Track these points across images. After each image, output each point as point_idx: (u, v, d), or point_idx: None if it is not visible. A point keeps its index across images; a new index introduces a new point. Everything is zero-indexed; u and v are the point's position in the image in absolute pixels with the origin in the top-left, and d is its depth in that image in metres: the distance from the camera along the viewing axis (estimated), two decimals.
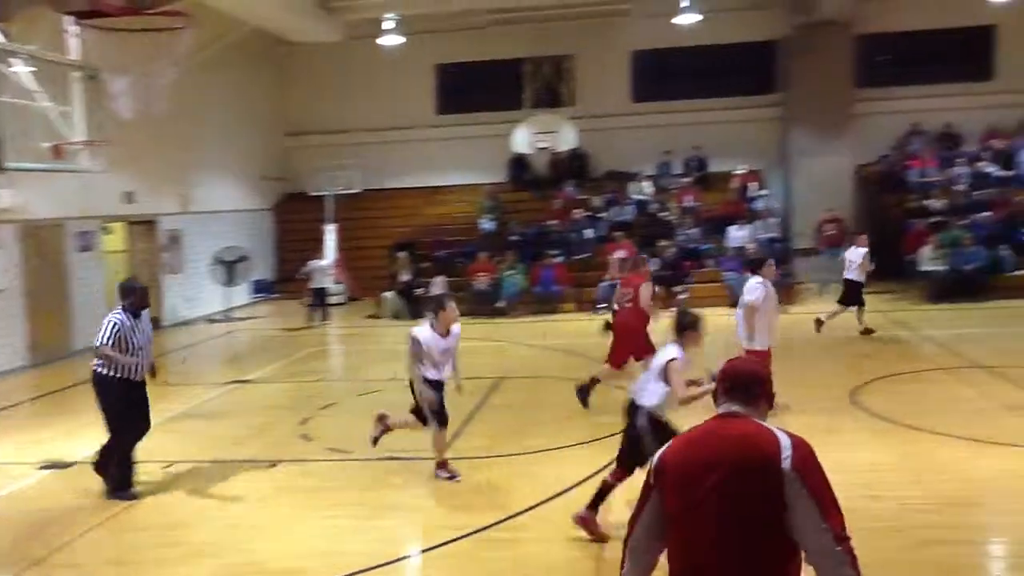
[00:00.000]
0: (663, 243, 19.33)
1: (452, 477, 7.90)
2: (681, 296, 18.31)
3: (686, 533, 2.96)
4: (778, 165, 22.19)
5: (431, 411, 7.75)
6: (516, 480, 7.86)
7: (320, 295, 19.00)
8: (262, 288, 22.49)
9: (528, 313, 18.54)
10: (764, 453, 2.87)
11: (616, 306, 10.90)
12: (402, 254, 19.90)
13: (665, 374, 6.20)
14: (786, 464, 2.82)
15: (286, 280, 22.16)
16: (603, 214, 21.01)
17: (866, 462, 7.81)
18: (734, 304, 17.73)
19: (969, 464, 7.70)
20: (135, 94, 10.13)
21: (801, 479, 2.80)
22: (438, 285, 18.55)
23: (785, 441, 2.89)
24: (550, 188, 22.25)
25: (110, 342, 7.49)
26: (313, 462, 8.72)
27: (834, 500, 2.84)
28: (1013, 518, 6.65)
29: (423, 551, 6.54)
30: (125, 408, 7.64)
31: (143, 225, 18.34)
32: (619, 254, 18.99)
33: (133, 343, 7.60)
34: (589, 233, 20.40)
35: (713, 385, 3.30)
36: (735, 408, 3.09)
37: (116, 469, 7.71)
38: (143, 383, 7.84)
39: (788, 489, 2.79)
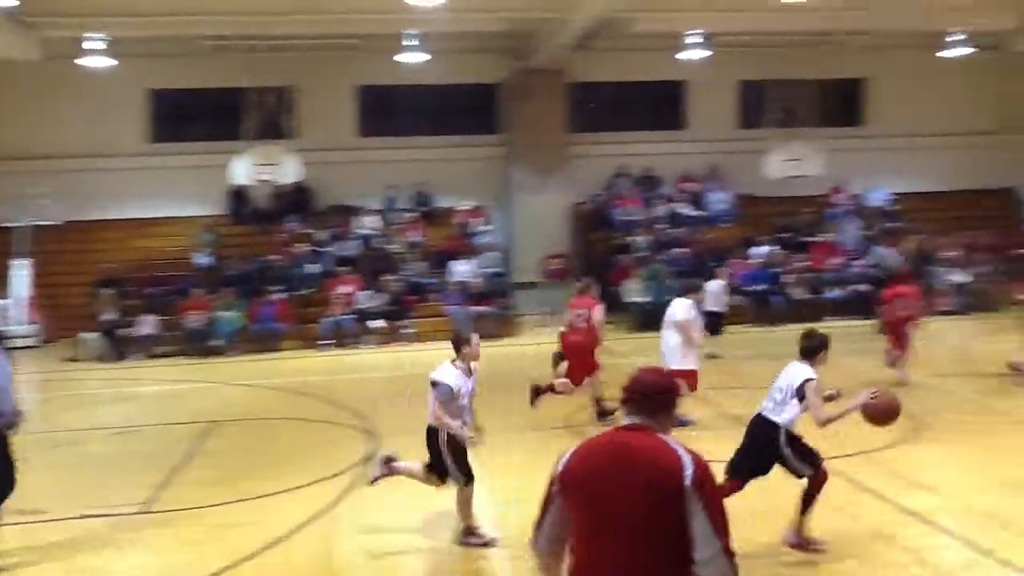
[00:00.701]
0: (388, 277, 19.35)
1: (486, 544, 6.90)
2: (405, 331, 18.41)
3: (590, 541, 3.04)
4: (500, 202, 23.01)
5: (456, 464, 6.82)
6: (234, 530, 7.42)
7: None
8: None
9: (246, 352, 17.78)
10: (669, 469, 2.97)
11: (565, 328, 11.31)
12: (106, 291, 18.40)
13: (801, 393, 6.24)
14: (688, 481, 2.95)
15: None
16: (328, 248, 20.67)
17: None
18: None
19: None
20: None
21: (700, 496, 2.94)
22: (148, 324, 17.36)
23: (687, 458, 3.00)
24: (272, 222, 21.55)
25: None
26: None
27: (725, 516, 3.00)
28: None
29: None
30: None
31: None
32: (344, 289, 18.84)
33: None
34: (313, 268, 19.98)
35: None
36: (639, 420, 3.15)
37: None
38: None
39: (688, 504, 2.93)
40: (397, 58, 20.07)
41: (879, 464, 8.63)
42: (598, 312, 11.26)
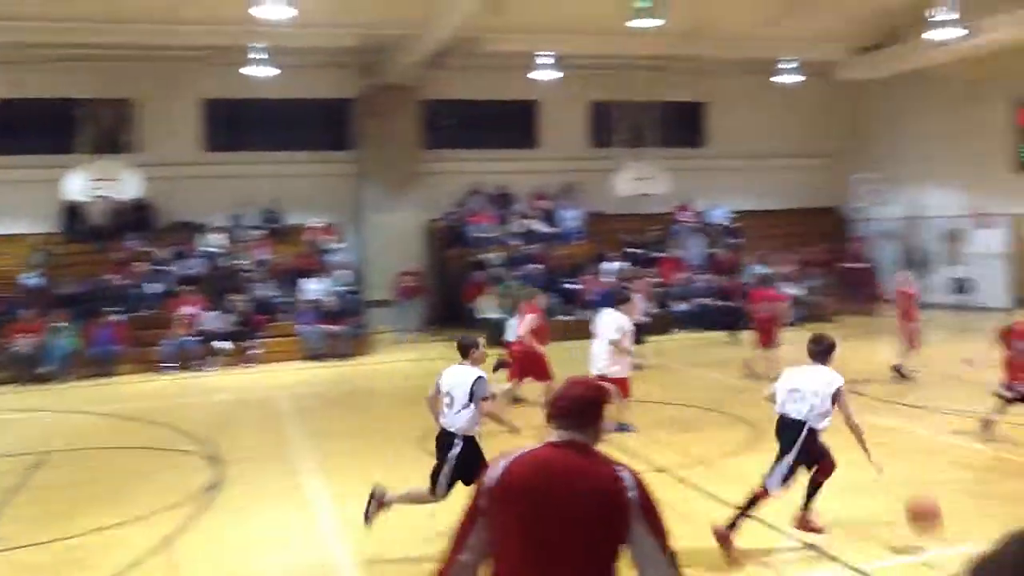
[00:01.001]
0: (235, 297, 18.70)
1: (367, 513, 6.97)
2: (253, 352, 17.81)
3: (521, 564, 2.88)
4: (353, 219, 22.69)
5: (449, 477, 6.72)
6: (68, 569, 6.92)
7: None
8: None
9: (82, 377, 16.76)
10: (611, 489, 2.89)
11: (515, 337, 11.89)
12: None
13: (836, 399, 6.56)
14: (631, 497, 2.87)
15: None
16: (170, 267, 19.77)
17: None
18: (310, 357, 17.89)
19: None
20: None
21: (643, 513, 2.88)
22: None
23: (627, 475, 2.93)
24: (110, 239, 20.42)
25: None
26: None
27: (667, 533, 2.94)
28: None
29: None
30: None
31: None
32: (188, 309, 18.07)
33: None
34: (154, 287, 19.06)
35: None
36: (571, 435, 3.02)
37: None
38: None
39: (633, 522, 2.86)
40: (244, 71, 19.52)
41: (722, 472, 8.93)
42: (528, 320, 11.71)
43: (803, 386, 6.71)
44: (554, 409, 3.10)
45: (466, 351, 7.19)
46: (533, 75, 21.45)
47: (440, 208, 23.06)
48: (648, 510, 2.90)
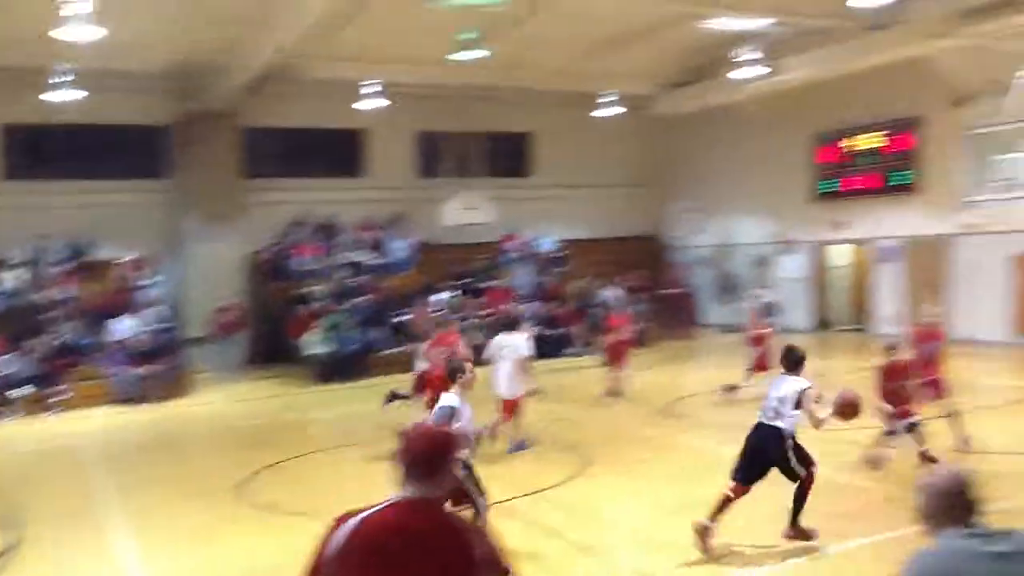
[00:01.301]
0: (36, 339, 17.30)
1: None
2: (57, 399, 16.46)
3: None
4: (170, 251, 21.55)
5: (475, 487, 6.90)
6: None
7: None
8: None
9: None
10: (457, 548, 2.83)
11: (426, 363, 11.82)
12: None
13: (800, 402, 6.99)
14: (478, 556, 2.83)
15: None
16: None
17: (246, 553, 7.67)
18: (121, 401, 16.74)
19: None
20: None
21: (490, 570, 2.86)
22: None
23: (473, 534, 2.93)
24: None
25: None
26: None
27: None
28: None
29: None
30: None
31: None
32: None
33: None
34: None
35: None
36: (414, 491, 2.91)
37: None
38: None
39: (470, 568, 2.81)
40: (47, 96, 18.20)
41: (552, 501, 8.99)
42: (463, 347, 11.63)
43: (774, 394, 7.28)
44: (400, 462, 2.97)
45: (452, 376, 7.36)
46: (359, 104, 21.20)
47: (263, 239, 22.27)
48: (495, 565, 2.89)
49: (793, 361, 7.39)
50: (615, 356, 15.01)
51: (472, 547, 2.85)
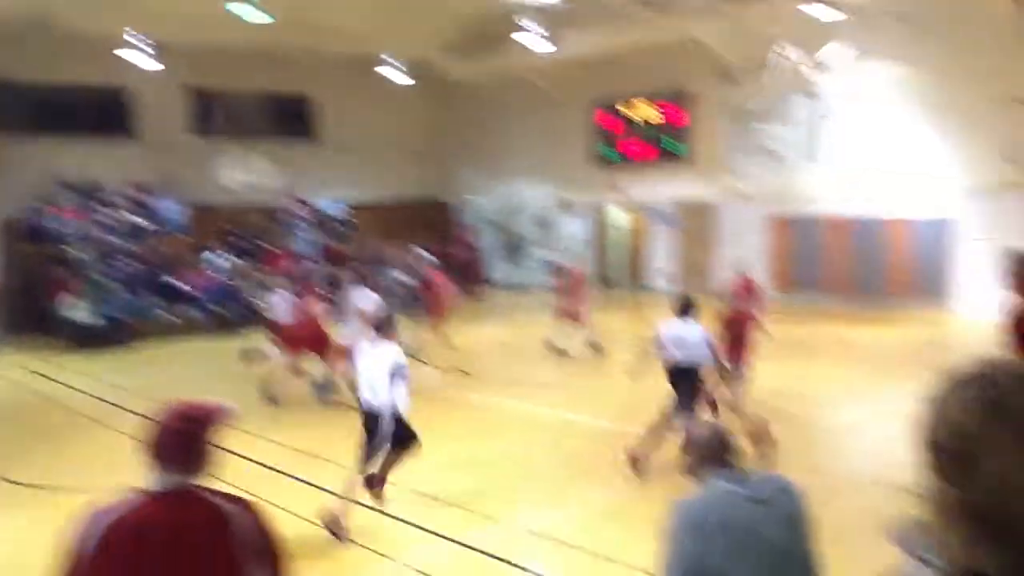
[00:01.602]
0: None
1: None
2: None
3: None
4: None
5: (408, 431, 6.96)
6: None
7: None
8: None
9: None
10: (221, 536, 2.64)
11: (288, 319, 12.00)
12: None
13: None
14: (245, 542, 2.66)
15: None
16: None
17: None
18: None
19: None
20: None
21: (260, 555, 2.69)
22: None
23: (240, 519, 2.69)
24: None
25: None
26: None
27: (285, 558, 2.78)
28: None
29: None
30: None
31: None
32: None
33: None
34: None
35: None
36: (173, 478, 2.66)
37: None
38: None
39: (249, 569, 2.66)
40: None
41: (335, 462, 8.78)
42: (318, 307, 12.25)
43: (686, 336, 7.92)
44: (153, 450, 2.69)
45: (379, 329, 7.17)
46: (124, 57, 19.65)
47: (18, 201, 20.29)
48: (265, 551, 2.73)
49: (685, 307, 8.14)
50: (439, 312, 15.18)
51: (243, 537, 2.68)
